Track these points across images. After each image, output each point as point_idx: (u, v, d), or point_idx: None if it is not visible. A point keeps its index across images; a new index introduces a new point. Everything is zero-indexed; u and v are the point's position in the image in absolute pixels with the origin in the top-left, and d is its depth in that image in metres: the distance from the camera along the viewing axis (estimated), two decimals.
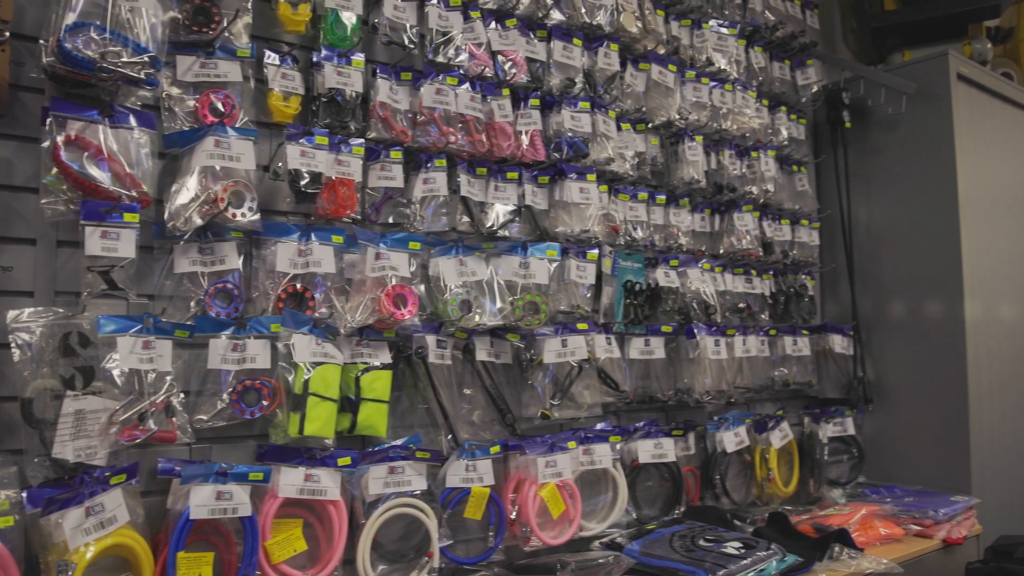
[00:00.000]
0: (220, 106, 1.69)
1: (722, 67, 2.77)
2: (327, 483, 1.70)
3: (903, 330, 3.06)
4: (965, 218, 2.94)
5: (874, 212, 3.19)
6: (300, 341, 1.70)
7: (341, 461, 1.73)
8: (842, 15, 3.74)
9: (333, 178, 1.82)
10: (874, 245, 3.17)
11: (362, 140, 1.89)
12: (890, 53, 3.62)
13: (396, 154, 1.95)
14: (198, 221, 1.59)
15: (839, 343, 3.03)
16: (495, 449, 1.99)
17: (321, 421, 1.69)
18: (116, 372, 1.49)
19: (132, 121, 1.57)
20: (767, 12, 3.04)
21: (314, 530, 1.73)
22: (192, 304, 1.65)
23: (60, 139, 1.47)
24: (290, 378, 1.68)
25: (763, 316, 2.85)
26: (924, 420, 2.98)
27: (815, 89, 3.14)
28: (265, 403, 1.66)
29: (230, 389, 1.64)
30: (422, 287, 1.95)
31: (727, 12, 2.88)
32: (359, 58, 1.91)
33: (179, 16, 1.65)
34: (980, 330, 2.97)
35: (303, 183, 1.77)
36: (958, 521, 2.62)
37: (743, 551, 2.01)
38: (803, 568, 2.07)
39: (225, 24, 1.69)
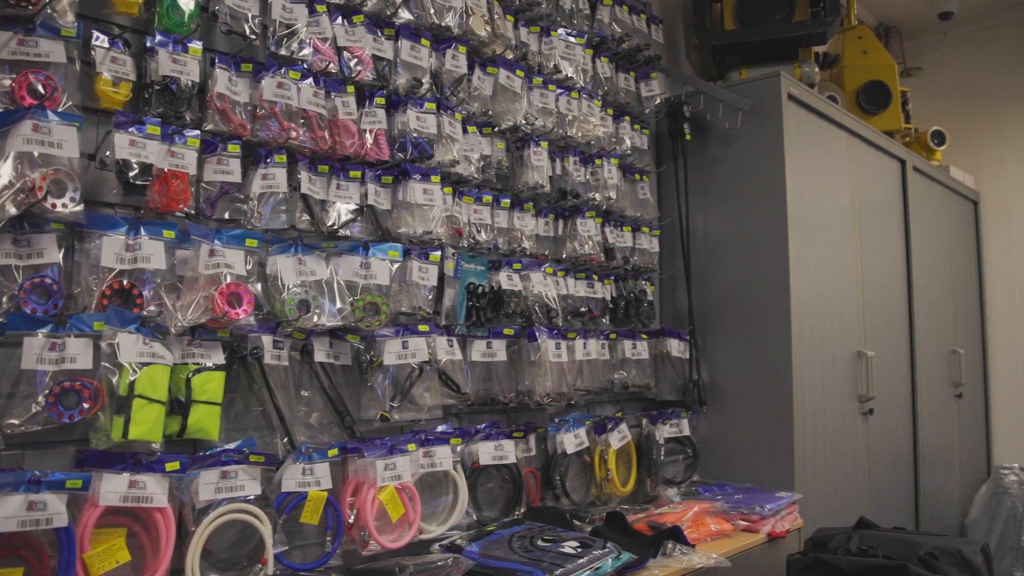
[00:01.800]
0: (40, 88, 1.62)
1: (569, 75, 2.88)
2: (153, 490, 1.66)
3: (735, 335, 3.28)
4: (793, 230, 3.18)
5: (711, 221, 3.39)
6: (126, 340, 1.65)
7: (169, 466, 1.69)
8: (686, 32, 3.96)
9: (165, 170, 1.78)
10: (710, 253, 3.38)
11: (198, 132, 1.86)
12: (729, 71, 3.85)
13: (234, 148, 1.93)
14: (12, 211, 1.53)
15: (676, 347, 3.20)
16: (333, 452, 2.00)
17: (148, 424, 1.65)
18: None
19: None
20: (614, 24, 3.18)
21: (139, 539, 1.68)
22: (4, 300, 1.57)
23: None
24: (114, 379, 1.63)
25: (604, 320, 2.98)
26: (753, 421, 3.20)
27: (658, 101, 3.32)
28: (86, 406, 1.60)
29: (47, 391, 1.57)
30: (259, 286, 1.93)
31: (575, 22, 3.01)
32: (197, 46, 1.88)
33: None
34: (804, 337, 3.22)
35: (132, 174, 1.73)
36: (782, 516, 2.83)
37: (580, 550, 2.10)
38: (637, 565, 2.18)
39: (47, 0, 1.62)
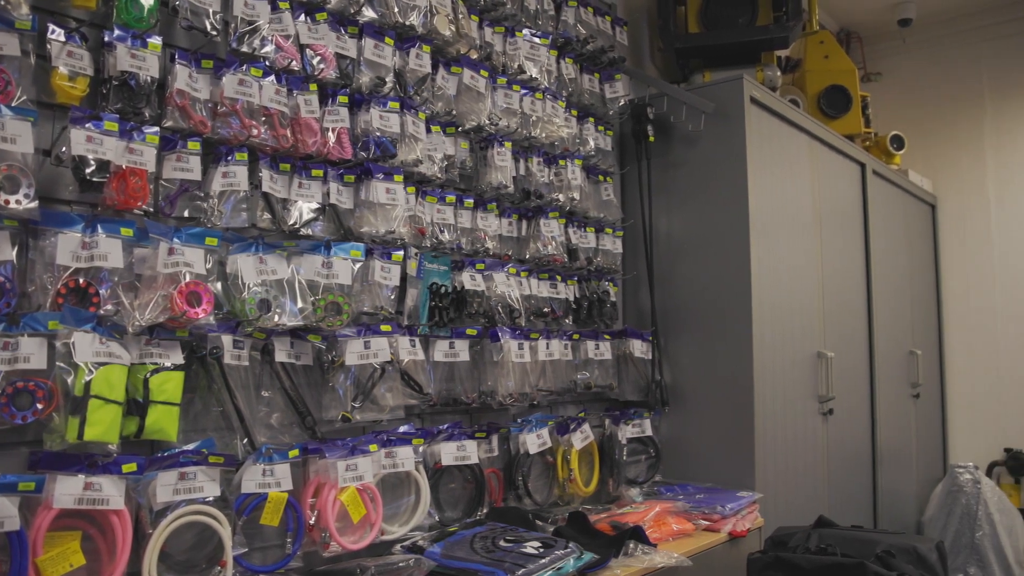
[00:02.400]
0: None
1: (533, 76, 2.89)
2: (109, 491, 1.64)
3: (697, 336, 3.31)
4: (754, 231, 3.22)
5: (673, 223, 3.42)
6: (81, 340, 1.63)
7: (126, 468, 1.67)
8: (650, 34, 3.99)
9: (123, 167, 1.76)
10: (673, 254, 3.41)
11: (157, 128, 1.84)
12: (692, 73, 3.89)
13: (194, 145, 1.91)
14: None
15: (639, 348, 3.23)
16: (293, 453, 1.99)
17: (104, 425, 1.63)
18: None
19: None
20: (579, 25, 3.20)
21: (95, 543, 1.66)
22: None
23: None
24: (69, 379, 1.61)
25: (567, 320, 2.99)
26: (715, 421, 3.23)
27: (622, 103, 3.34)
28: (40, 406, 1.58)
29: None
30: (219, 285, 1.92)
31: (540, 23, 3.02)
32: (156, 41, 1.86)
33: None
34: (765, 337, 3.26)
35: (89, 171, 1.71)
36: (743, 515, 2.87)
37: (542, 550, 2.11)
38: (599, 565, 2.19)
39: None
